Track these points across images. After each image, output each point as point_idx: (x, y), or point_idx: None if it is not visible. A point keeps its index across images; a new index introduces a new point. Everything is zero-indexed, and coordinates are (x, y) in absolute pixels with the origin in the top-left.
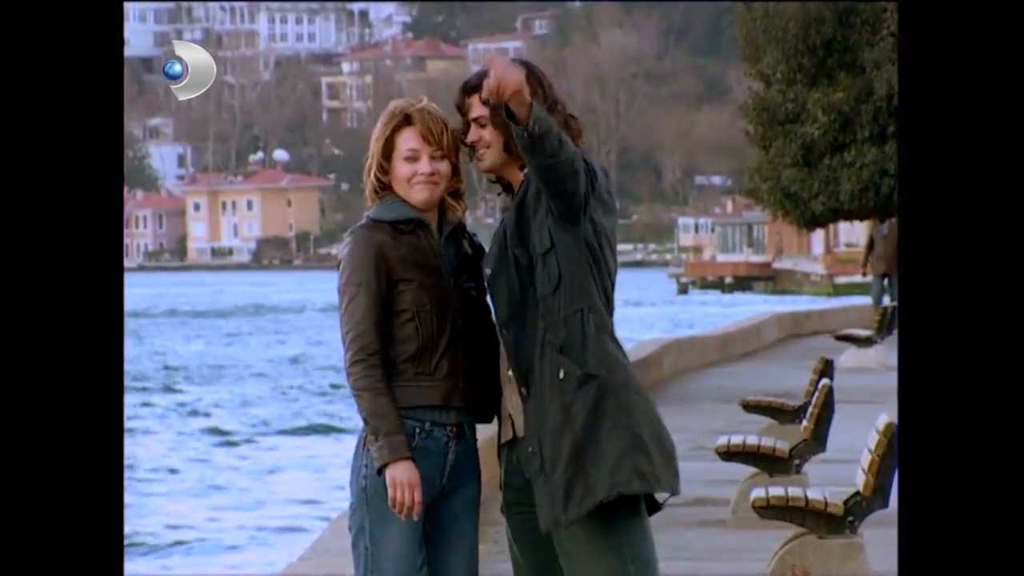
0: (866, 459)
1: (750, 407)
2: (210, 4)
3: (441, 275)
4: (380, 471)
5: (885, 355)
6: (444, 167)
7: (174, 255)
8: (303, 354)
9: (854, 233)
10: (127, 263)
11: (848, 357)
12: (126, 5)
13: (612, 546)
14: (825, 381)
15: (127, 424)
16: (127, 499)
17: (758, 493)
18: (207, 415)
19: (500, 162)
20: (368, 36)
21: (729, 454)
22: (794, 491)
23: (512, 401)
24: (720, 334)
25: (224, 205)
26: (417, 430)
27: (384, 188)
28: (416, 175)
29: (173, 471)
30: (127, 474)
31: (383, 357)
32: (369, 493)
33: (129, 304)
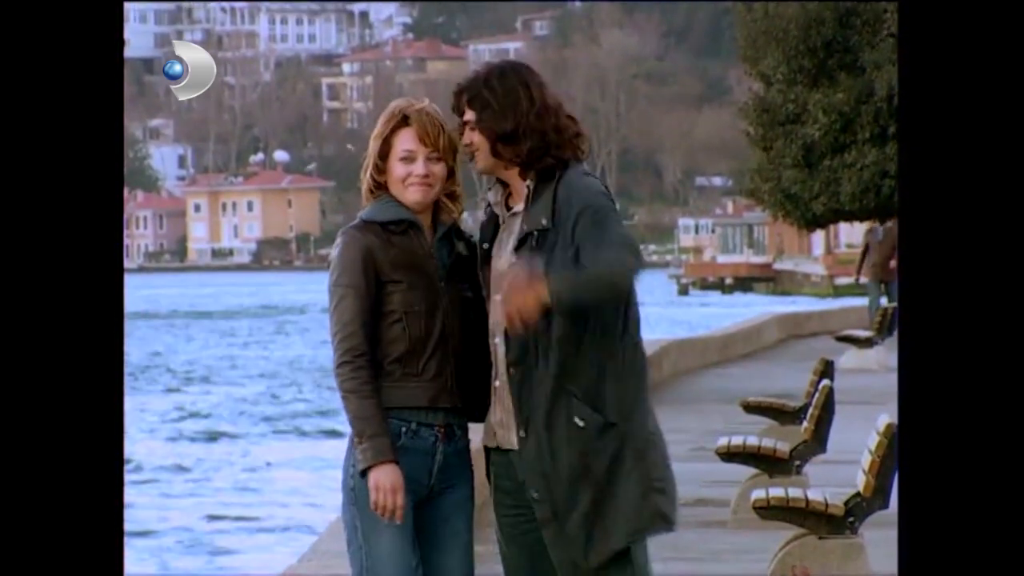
0: (866, 460)
1: (750, 408)
2: (211, 5)
3: (432, 276)
4: (364, 473)
5: (885, 356)
6: (439, 169)
7: (174, 256)
8: (303, 355)
9: (855, 234)
10: (128, 264)
11: (849, 358)
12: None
13: (625, 574)
14: (825, 382)
15: (127, 424)
16: (127, 499)
17: (758, 494)
18: (207, 416)
19: (491, 164)
20: (368, 37)
21: (729, 455)
22: (794, 492)
23: (495, 413)
24: (720, 335)
25: (224, 206)
26: (403, 430)
27: (379, 187)
28: (411, 176)
29: (173, 471)
30: (127, 474)
31: (371, 358)
32: (357, 494)
33: (130, 305)
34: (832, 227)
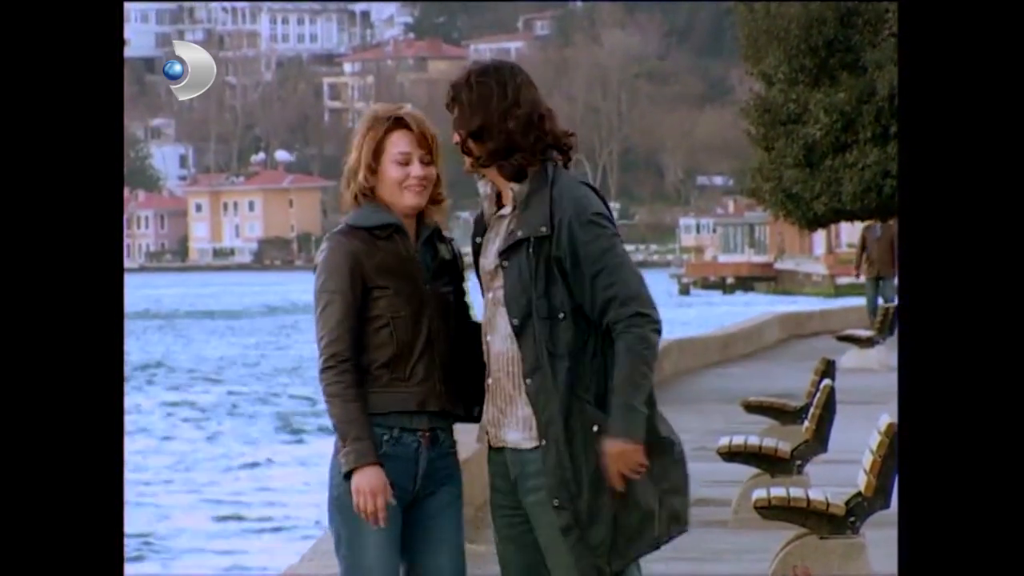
0: (867, 460)
1: (751, 408)
2: (212, 5)
3: (417, 281)
4: (347, 476)
5: (887, 356)
6: (432, 172)
7: (176, 256)
8: (304, 354)
9: (856, 234)
10: (129, 264)
11: (850, 358)
12: (127, 5)
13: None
14: (827, 382)
15: (127, 424)
16: (127, 499)
17: (759, 494)
18: (208, 416)
19: (470, 163)
20: (370, 37)
21: (730, 455)
22: (796, 492)
23: (488, 412)
24: (721, 335)
25: (226, 206)
26: (386, 437)
27: (368, 193)
28: (408, 178)
29: (174, 471)
30: (126, 474)
31: (356, 363)
32: (341, 501)
33: (131, 305)
34: (833, 227)
